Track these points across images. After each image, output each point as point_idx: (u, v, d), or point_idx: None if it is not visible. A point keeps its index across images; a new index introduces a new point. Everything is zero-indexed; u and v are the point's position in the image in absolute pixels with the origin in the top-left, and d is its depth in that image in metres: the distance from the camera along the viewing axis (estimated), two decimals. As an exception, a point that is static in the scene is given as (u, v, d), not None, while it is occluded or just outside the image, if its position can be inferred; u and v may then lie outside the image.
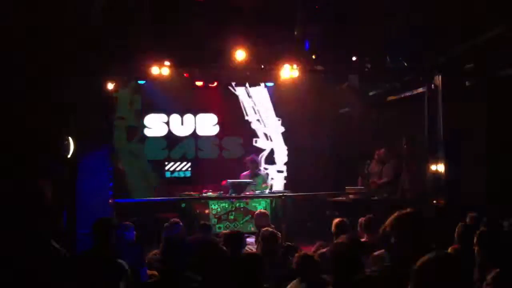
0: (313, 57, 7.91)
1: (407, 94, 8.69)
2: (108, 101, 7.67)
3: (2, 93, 5.42)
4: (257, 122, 10.43)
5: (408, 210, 2.83)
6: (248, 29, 7.25)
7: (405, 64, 7.96)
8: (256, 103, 10.35)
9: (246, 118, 10.35)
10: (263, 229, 4.97)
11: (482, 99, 7.37)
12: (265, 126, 10.45)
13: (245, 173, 8.84)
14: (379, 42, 7.81)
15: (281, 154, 10.51)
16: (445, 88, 7.77)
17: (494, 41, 6.70)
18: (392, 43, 7.78)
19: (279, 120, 10.46)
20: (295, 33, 7.53)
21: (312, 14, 7.45)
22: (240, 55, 7.37)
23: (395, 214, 2.84)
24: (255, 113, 10.38)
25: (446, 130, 7.63)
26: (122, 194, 8.91)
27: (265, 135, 10.48)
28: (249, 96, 10.33)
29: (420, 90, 8.25)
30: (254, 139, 10.39)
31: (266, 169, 10.32)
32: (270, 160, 10.47)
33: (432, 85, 7.93)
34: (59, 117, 6.06)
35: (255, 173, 8.86)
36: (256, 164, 8.89)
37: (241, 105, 10.30)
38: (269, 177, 10.26)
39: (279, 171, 10.43)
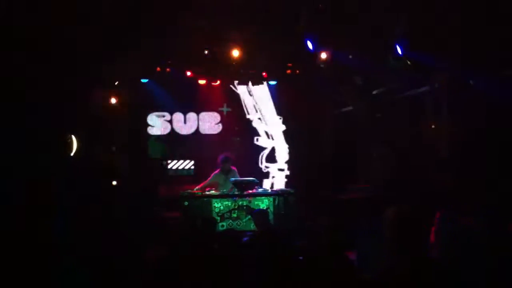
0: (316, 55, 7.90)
1: (411, 93, 8.64)
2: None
3: (3, 91, 5.46)
4: (259, 120, 10.42)
5: (404, 207, 2.85)
6: (250, 27, 7.27)
7: (408, 62, 7.92)
8: (258, 102, 10.34)
9: (248, 116, 10.31)
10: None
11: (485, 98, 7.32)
12: (266, 124, 10.45)
13: (215, 172, 8.70)
14: (383, 40, 7.78)
15: (283, 153, 10.49)
16: (450, 87, 7.73)
17: (497, 40, 6.66)
18: (395, 42, 7.75)
19: (280, 118, 10.46)
20: (297, 31, 7.53)
21: (314, 12, 7.45)
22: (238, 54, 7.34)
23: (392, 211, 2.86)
24: (257, 111, 10.39)
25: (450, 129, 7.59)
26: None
27: (266, 133, 10.47)
28: (251, 95, 10.34)
29: (424, 89, 8.22)
30: (256, 138, 10.34)
31: (267, 167, 10.31)
32: (272, 158, 10.46)
33: (436, 84, 7.89)
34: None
35: (226, 170, 8.64)
36: (228, 161, 8.70)
37: (242, 103, 10.27)
38: (270, 176, 10.27)
39: (280, 169, 10.40)
